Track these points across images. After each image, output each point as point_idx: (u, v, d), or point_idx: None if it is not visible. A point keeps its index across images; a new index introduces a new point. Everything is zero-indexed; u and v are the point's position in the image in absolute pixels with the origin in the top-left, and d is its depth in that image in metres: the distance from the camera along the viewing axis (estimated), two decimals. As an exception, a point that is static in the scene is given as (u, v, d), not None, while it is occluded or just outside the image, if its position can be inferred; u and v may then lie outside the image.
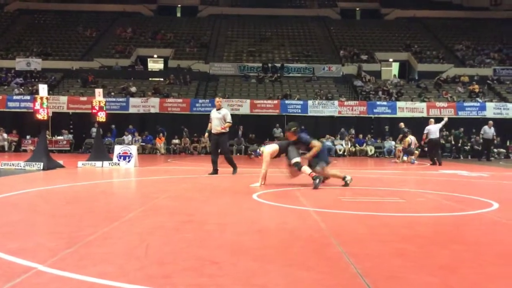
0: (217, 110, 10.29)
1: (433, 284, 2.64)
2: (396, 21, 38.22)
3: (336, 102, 24.44)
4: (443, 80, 28.36)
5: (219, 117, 10.17)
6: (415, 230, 4.25)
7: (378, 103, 24.67)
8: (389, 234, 4.06)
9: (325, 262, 3.06)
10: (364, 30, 36.16)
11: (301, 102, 24.54)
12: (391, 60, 33.52)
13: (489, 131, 19.67)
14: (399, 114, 23.69)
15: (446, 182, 9.66)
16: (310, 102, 24.44)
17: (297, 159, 7.62)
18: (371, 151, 22.70)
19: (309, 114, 24.01)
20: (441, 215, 5.24)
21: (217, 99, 10.55)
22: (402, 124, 18.75)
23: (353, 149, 22.86)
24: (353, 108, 24.29)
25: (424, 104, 24.31)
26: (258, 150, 8.04)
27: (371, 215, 5.05)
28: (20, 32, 34.58)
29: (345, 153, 22.41)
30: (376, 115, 23.98)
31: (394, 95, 26.00)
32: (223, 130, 10.19)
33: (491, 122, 20.13)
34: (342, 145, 22.75)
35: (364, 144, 22.97)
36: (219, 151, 10.51)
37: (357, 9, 41.41)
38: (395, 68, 33.88)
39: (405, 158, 17.46)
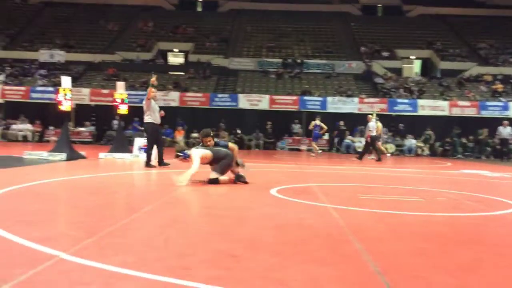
0: (155, 101, 10.30)
1: (452, 285, 2.61)
2: (419, 18, 37.65)
3: (356, 99, 24.22)
4: (465, 78, 27.91)
5: (158, 109, 10.22)
6: (435, 230, 4.21)
7: (399, 100, 24.38)
8: (408, 232, 4.03)
9: (343, 259, 3.05)
10: (385, 26, 35.71)
11: (321, 99, 24.39)
12: (413, 57, 33.06)
13: (503, 130, 19.54)
14: (420, 112, 23.40)
15: (467, 182, 9.52)
16: (329, 99, 24.27)
17: (214, 175, 7.09)
18: (390, 149, 22.42)
19: (328, 110, 23.85)
20: (462, 215, 5.18)
21: (153, 89, 10.26)
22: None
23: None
24: (373, 105, 24.05)
25: (446, 103, 23.94)
26: (186, 152, 7.18)
27: (390, 214, 5.02)
28: (44, 24, 35.09)
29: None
30: (396, 113, 23.69)
31: (416, 93, 25.65)
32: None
33: (506, 122, 19.90)
34: (360, 142, 22.53)
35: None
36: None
37: (379, 5, 40.88)
38: (417, 65, 33.43)
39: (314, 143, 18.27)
